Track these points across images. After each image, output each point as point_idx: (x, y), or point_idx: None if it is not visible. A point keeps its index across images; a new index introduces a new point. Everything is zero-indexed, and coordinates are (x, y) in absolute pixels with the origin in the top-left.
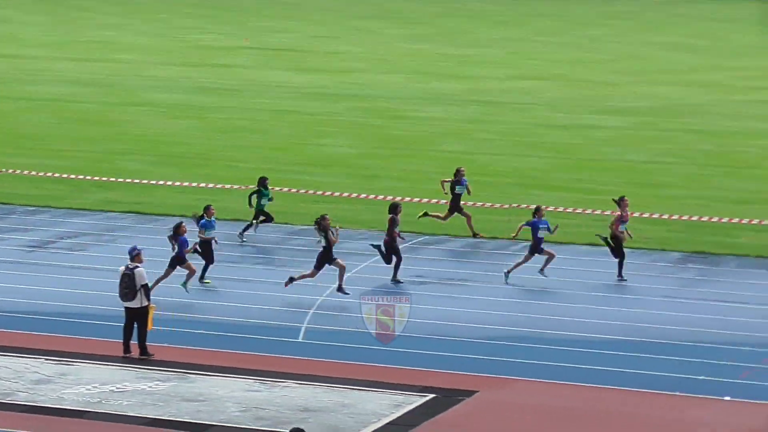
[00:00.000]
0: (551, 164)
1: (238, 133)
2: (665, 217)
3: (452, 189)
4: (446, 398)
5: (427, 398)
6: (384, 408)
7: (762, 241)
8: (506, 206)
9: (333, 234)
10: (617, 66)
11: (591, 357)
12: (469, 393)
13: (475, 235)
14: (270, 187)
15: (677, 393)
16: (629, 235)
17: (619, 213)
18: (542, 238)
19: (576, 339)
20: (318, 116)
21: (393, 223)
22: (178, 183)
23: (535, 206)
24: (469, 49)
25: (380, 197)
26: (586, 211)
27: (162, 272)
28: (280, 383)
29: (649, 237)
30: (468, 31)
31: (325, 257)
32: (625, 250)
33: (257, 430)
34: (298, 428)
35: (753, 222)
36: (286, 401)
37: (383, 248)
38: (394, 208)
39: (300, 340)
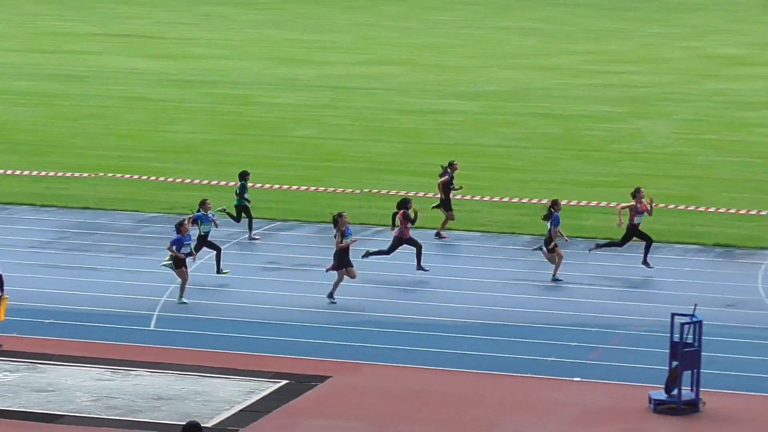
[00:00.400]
0: (401, 149)
1: (86, 120)
2: (515, 200)
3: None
4: (299, 384)
5: (280, 384)
6: (237, 395)
7: (609, 224)
8: (357, 191)
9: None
10: (466, 50)
11: (442, 340)
12: (322, 378)
13: (438, 235)
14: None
15: (528, 375)
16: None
17: (633, 203)
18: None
19: (427, 323)
20: (168, 103)
21: (405, 218)
22: (26, 172)
23: (552, 200)
24: (320, 35)
25: (232, 183)
26: (437, 195)
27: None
28: (131, 372)
29: (498, 221)
30: (318, 16)
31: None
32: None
33: (108, 419)
34: (193, 422)
35: (601, 204)
36: (138, 390)
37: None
38: (405, 204)
39: (151, 328)
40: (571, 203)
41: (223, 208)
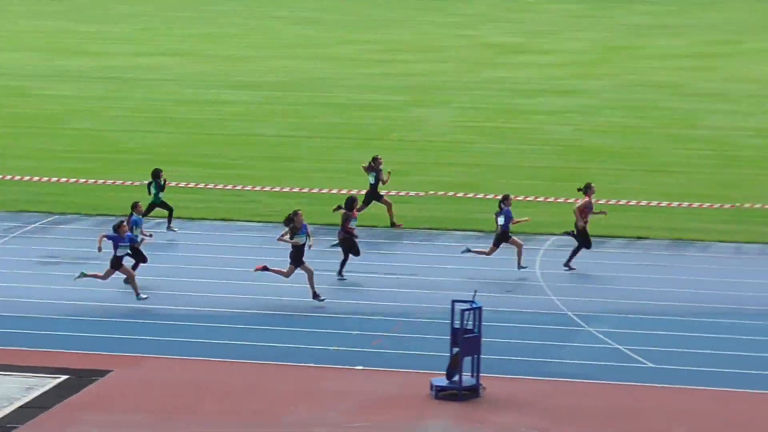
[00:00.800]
0: (181, 140)
1: None
2: (295, 190)
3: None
4: (79, 379)
5: (60, 380)
6: (15, 391)
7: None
8: (137, 183)
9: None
10: (245, 41)
11: (223, 332)
12: (103, 372)
13: (393, 225)
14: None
15: (310, 364)
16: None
17: (586, 200)
18: (508, 227)
19: (207, 314)
20: None
21: (347, 218)
22: None
23: (503, 195)
24: (97, 25)
25: (8, 177)
26: (218, 187)
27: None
28: None
29: (278, 210)
30: (94, 6)
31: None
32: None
33: None
34: None
35: (381, 193)
36: None
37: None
38: (351, 203)
39: None
40: (352, 192)
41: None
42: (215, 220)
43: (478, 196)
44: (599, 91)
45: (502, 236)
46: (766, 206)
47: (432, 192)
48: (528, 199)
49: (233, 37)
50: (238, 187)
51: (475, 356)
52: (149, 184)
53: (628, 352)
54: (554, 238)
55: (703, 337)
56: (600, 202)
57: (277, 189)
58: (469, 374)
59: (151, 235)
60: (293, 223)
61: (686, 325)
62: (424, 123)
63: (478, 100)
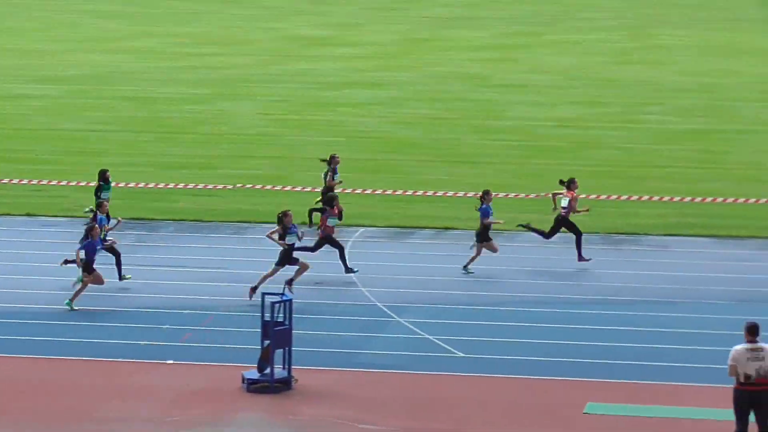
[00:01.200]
0: None
1: None
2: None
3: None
4: None
5: None
6: None
7: (199, 206)
8: None
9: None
10: (48, 34)
11: (31, 328)
12: None
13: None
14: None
15: (121, 359)
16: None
17: (572, 193)
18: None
19: (12, 311)
20: None
21: (327, 217)
22: None
23: (483, 191)
24: None
25: None
26: (23, 182)
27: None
28: None
29: (81, 205)
30: None
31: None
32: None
33: None
34: None
35: (189, 186)
36: None
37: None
38: (330, 201)
39: None
40: (159, 186)
41: (90, 208)
42: (20, 215)
43: (286, 189)
44: (405, 83)
45: (483, 233)
46: None
47: (240, 185)
48: (336, 191)
49: (36, 31)
50: (44, 182)
51: (286, 349)
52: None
53: (439, 342)
54: (362, 229)
55: (512, 326)
56: (407, 193)
57: (83, 183)
58: (281, 367)
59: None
60: (282, 223)
61: (495, 315)
62: (231, 116)
63: (285, 93)
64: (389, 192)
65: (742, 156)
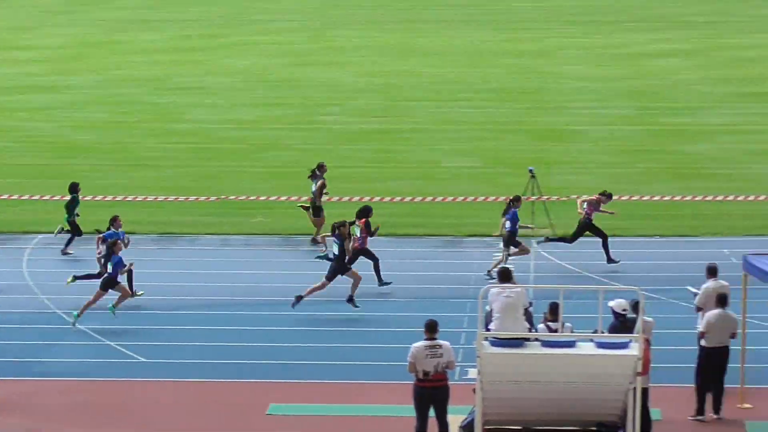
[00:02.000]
0: None
1: None
2: None
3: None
4: None
5: None
6: None
7: None
8: None
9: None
10: None
11: None
12: None
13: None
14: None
15: None
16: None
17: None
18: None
19: None
20: None
21: (367, 227)
22: None
23: (514, 196)
24: None
25: None
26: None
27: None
28: None
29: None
30: None
31: (340, 268)
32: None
33: None
34: None
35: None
36: None
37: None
38: (366, 212)
39: None
40: None
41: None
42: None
43: None
44: (81, 87)
45: (509, 239)
46: (249, 198)
47: None
48: (13, 197)
49: None
50: None
51: None
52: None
53: (121, 348)
54: (41, 236)
55: (195, 330)
56: (86, 198)
57: None
58: None
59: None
60: (338, 232)
61: (178, 319)
62: None
63: None
64: (67, 197)
65: (418, 155)
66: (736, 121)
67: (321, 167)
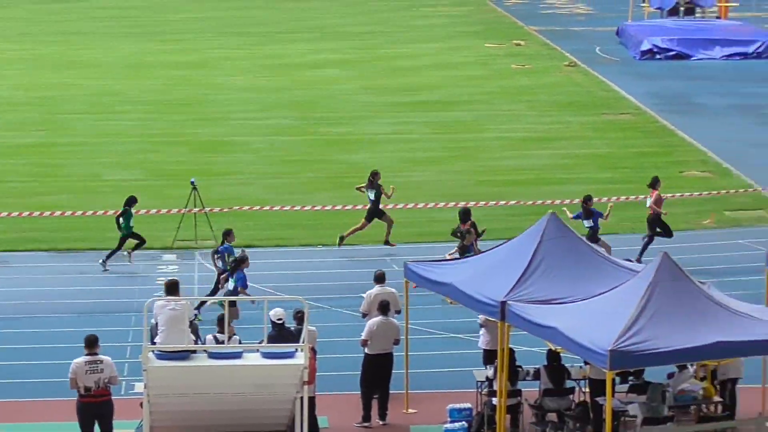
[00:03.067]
0: None
1: None
2: None
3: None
4: None
5: None
6: None
7: None
8: None
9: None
10: None
11: None
12: None
13: (387, 243)
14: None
15: None
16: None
17: (656, 192)
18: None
19: None
20: None
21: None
22: None
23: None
24: None
25: None
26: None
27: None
28: None
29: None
30: None
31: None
32: None
33: None
34: None
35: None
36: None
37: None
38: (468, 213)
39: None
40: None
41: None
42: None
43: None
44: None
45: (592, 237)
46: None
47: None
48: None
49: None
50: None
51: None
52: (120, 217)
53: None
54: None
55: None
56: None
57: None
58: None
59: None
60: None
61: None
62: None
63: None
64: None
65: (79, 168)
66: (395, 130)
67: (375, 175)
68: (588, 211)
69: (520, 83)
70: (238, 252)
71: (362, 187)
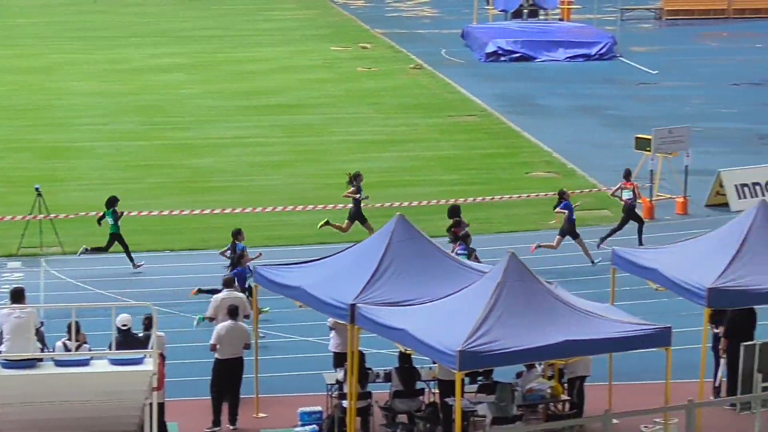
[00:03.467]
0: None
1: None
2: None
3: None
4: None
5: None
6: None
7: None
8: None
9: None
10: None
11: None
12: None
13: None
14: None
15: None
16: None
17: (632, 183)
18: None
19: None
20: None
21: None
22: None
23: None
24: None
25: None
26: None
27: None
28: None
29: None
30: None
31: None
32: None
33: None
34: None
35: None
36: None
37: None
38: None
39: None
40: None
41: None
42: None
43: None
44: None
45: (569, 229)
46: None
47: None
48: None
49: None
50: None
51: None
52: (102, 218)
53: None
54: None
55: None
56: None
57: None
58: None
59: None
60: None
61: None
62: None
63: None
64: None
65: None
66: (242, 134)
67: (358, 176)
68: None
69: (366, 86)
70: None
71: (350, 193)
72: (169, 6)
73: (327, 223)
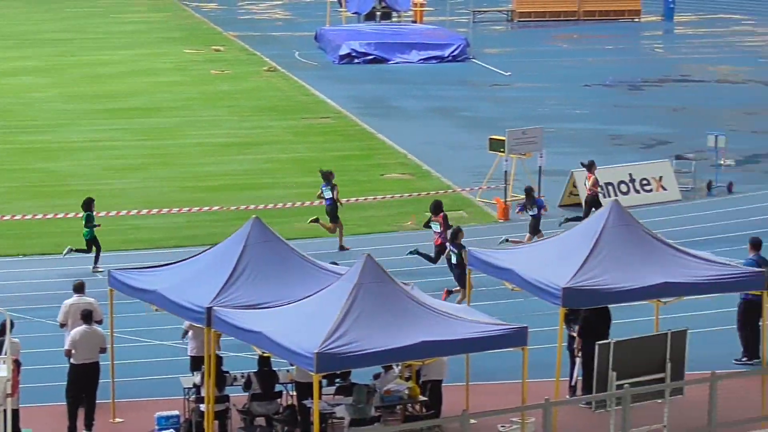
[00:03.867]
0: None
1: None
2: None
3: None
4: None
5: None
6: None
7: None
8: None
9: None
10: None
11: None
12: None
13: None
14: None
15: None
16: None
17: (593, 176)
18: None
19: None
20: None
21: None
22: None
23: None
24: None
25: None
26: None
27: None
28: None
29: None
30: None
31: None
32: None
33: None
34: None
35: None
36: None
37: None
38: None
39: None
40: None
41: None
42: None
43: None
44: None
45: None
46: None
47: None
48: None
49: None
50: None
51: None
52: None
53: None
54: None
55: None
56: None
57: None
58: None
59: None
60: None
61: None
62: None
63: None
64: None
65: None
66: (95, 138)
67: (331, 174)
68: (531, 198)
69: (220, 88)
70: None
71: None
72: (19, 9)
73: (316, 220)
